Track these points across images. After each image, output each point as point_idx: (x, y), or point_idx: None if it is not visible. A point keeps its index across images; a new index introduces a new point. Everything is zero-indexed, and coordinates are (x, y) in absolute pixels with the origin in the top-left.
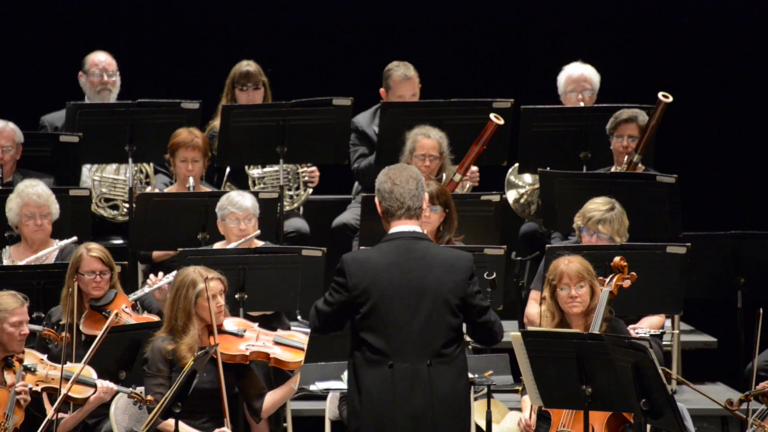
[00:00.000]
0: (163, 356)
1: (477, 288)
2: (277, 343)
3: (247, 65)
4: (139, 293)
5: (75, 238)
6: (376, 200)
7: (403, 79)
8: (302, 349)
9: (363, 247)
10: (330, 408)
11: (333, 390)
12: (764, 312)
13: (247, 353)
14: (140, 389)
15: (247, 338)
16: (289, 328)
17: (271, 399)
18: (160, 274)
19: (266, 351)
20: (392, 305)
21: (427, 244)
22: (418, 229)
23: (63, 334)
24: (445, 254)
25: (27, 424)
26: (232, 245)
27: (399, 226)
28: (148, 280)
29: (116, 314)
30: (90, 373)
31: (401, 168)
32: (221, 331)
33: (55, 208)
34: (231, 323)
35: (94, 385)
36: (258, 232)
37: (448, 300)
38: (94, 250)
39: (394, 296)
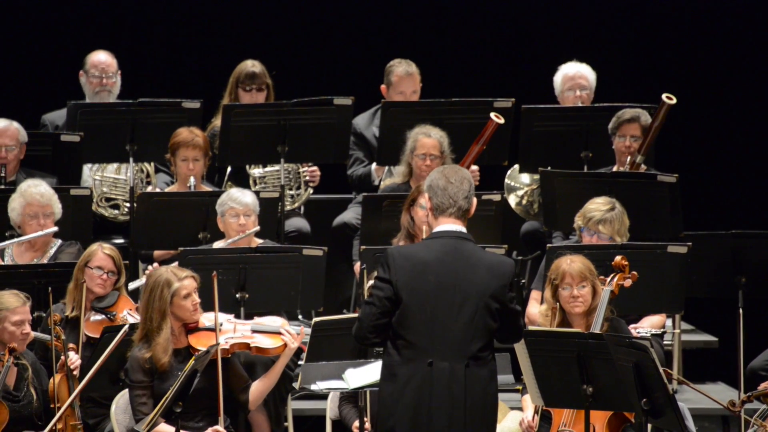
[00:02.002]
0: (141, 366)
1: (513, 294)
2: (255, 332)
3: (253, 66)
4: (137, 283)
5: (56, 228)
6: (426, 196)
7: (404, 75)
8: (281, 333)
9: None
10: (331, 407)
11: (334, 389)
12: (756, 310)
13: (227, 346)
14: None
15: (225, 331)
16: None
17: (256, 389)
18: (156, 264)
19: (245, 341)
20: (436, 303)
21: (473, 246)
22: (464, 229)
23: (70, 345)
24: (489, 258)
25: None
26: (230, 241)
27: (445, 225)
28: (146, 272)
29: (126, 328)
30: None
31: (456, 168)
32: (198, 329)
33: (57, 208)
34: (206, 319)
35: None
36: (257, 228)
37: (490, 303)
38: (108, 249)
39: (439, 294)
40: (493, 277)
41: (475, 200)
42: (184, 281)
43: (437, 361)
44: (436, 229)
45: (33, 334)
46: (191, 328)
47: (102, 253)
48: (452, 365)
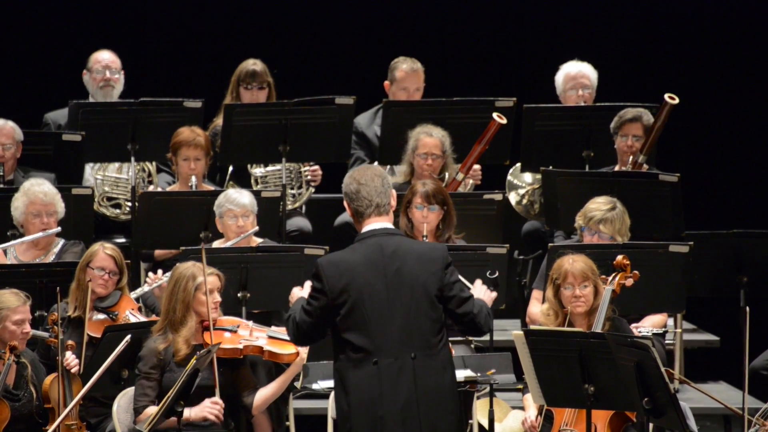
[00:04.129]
0: (155, 356)
1: (455, 278)
2: (270, 338)
3: (254, 64)
4: (139, 291)
5: (59, 228)
6: (345, 203)
7: (409, 72)
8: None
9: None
10: (332, 407)
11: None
12: (758, 310)
13: (241, 347)
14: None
15: (241, 334)
16: None
17: (262, 395)
18: (159, 272)
19: (260, 345)
20: (371, 303)
21: (400, 239)
22: (389, 225)
23: (68, 342)
24: (419, 247)
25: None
26: (230, 243)
27: (370, 225)
28: (148, 279)
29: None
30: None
31: (364, 168)
32: (215, 327)
33: (60, 207)
34: (225, 319)
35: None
36: (256, 228)
37: (426, 291)
38: (109, 249)
39: (373, 293)
40: (424, 266)
41: (393, 192)
42: (208, 277)
43: (382, 358)
44: (363, 230)
45: (32, 332)
46: (208, 326)
47: (103, 253)
48: (398, 360)
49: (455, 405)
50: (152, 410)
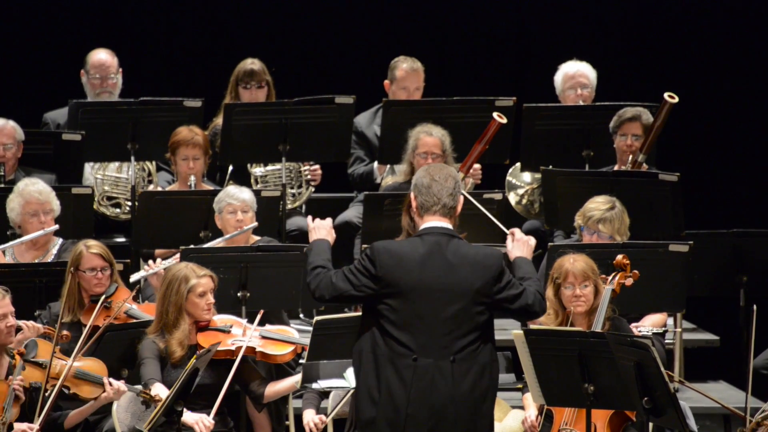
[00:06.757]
0: (155, 350)
1: (506, 280)
2: (263, 338)
3: (252, 63)
4: (136, 276)
5: (57, 226)
6: (411, 195)
7: (409, 71)
8: (289, 343)
9: (395, 239)
10: (332, 406)
11: (335, 388)
12: (758, 309)
13: (233, 348)
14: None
15: (234, 334)
16: (288, 325)
17: (275, 388)
18: (158, 260)
19: (252, 346)
20: (421, 300)
21: (458, 242)
22: (450, 226)
23: (63, 332)
24: (476, 252)
25: (23, 419)
26: (227, 236)
27: (431, 222)
28: (146, 266)
29: (121, 304)
30: (102, 370)
31: (441, 166)
32: (208, 328)
33: (56, 204)
34: (218, 319)
35: (103, 384)
36: (255, 224)
37: (477, 299)
38: (93, 246)
39: (424, 292)
40: (478, 273)
41: (461, 198)
42: (201, 279)
43: (422, 357)
44: (423, 226)
45: (19, 322)
46: (202, 327)
47: (89, 253)
48: (437, 362)
49: (490, 408)
50: (159, 389)
